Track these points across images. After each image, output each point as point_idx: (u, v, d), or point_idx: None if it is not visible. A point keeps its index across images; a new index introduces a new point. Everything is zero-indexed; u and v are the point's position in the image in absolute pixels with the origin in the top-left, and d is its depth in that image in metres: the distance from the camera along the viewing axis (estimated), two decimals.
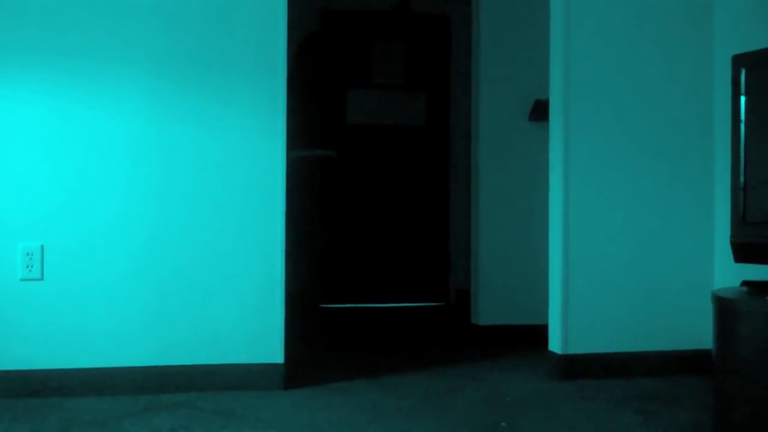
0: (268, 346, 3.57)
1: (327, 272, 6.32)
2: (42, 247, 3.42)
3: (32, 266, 3.41)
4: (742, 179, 2.98)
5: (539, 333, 4.05)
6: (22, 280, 3.40)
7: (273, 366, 3.56)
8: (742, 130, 2.99)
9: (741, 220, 3.00)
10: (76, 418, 3.08)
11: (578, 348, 3.86)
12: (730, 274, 3.54)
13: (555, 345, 3.90)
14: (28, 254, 3.41)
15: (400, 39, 6.47)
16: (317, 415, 3.19)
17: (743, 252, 3.02)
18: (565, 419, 3.20)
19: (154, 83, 3.51)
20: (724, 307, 2.73)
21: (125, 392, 3.42)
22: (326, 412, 3.23)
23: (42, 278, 3.42)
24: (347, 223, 6.35)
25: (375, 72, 6.43)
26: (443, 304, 6.50)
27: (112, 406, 3.25)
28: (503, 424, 3.08)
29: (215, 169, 3.55)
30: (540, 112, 4.69)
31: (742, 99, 2.99)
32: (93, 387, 3.41)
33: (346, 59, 6.35)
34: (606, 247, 3.92)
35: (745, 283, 2.89)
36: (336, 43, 6.32)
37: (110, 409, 3.20)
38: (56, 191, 3.44)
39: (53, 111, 3.44)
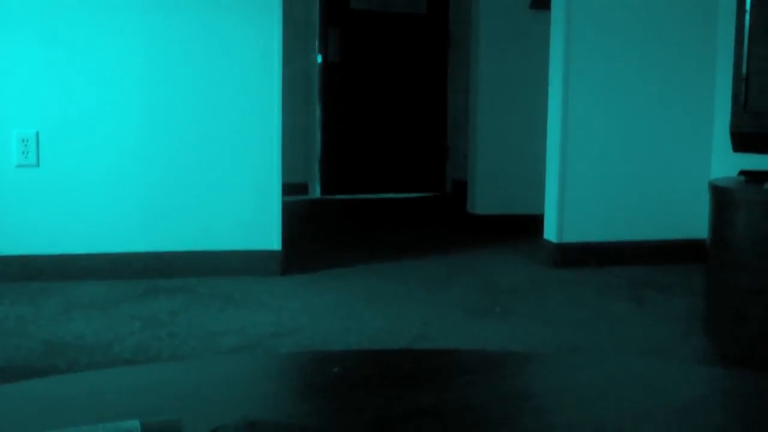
0: (265, 233, 3.59)
1: (326, 163, 6.30)
2: (37, 133, 3.40)
3: (27, 153, 3.39)
4: (744, 69, 2.94)
5: (535, 222, 4.06)
6: (18, 166, 3.40)
7: (270, 252, 3.59)
8: (746, 20, 2.93)
9: (741, 110, 2.97)
10: (76, 301, 3.12)
11: (573, 237, 3.88)
12: (727, 165, 3.54)
13: (550, 234, 3.92)
14: (23, 141, 3.39)
15: None
16: (314, 299, 3.23)
17: (742, 142, 3.00)
18: (560, 305, 3.25)
19: None
20: (721, 196, 2.72)
21: (124, 277, 3.44)
22: (323, 296, 3.27)
23: (38, 165, 3.41)
24: (346, 114, 6.29)
25: None
26: (440, 193, 6.52)
27: (111, 290, 3.28)
28: (497, 309, 3.12)
29: (207, 62, 3.51)
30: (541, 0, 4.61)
31: None
32: (92, 272, 3.43)
33: None
34: (604, 136, 3.90)
35: (742, 172, 2.88)
36: None
37: (109, 293, 3.24)
38: (49, 79, 3.40)
39: (45, 2, 3.38)
